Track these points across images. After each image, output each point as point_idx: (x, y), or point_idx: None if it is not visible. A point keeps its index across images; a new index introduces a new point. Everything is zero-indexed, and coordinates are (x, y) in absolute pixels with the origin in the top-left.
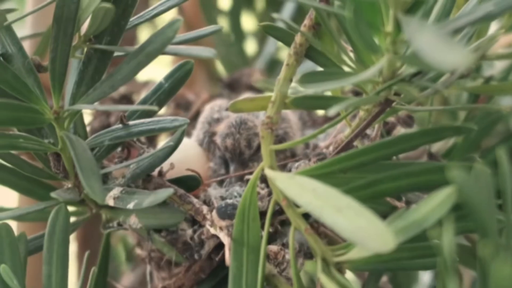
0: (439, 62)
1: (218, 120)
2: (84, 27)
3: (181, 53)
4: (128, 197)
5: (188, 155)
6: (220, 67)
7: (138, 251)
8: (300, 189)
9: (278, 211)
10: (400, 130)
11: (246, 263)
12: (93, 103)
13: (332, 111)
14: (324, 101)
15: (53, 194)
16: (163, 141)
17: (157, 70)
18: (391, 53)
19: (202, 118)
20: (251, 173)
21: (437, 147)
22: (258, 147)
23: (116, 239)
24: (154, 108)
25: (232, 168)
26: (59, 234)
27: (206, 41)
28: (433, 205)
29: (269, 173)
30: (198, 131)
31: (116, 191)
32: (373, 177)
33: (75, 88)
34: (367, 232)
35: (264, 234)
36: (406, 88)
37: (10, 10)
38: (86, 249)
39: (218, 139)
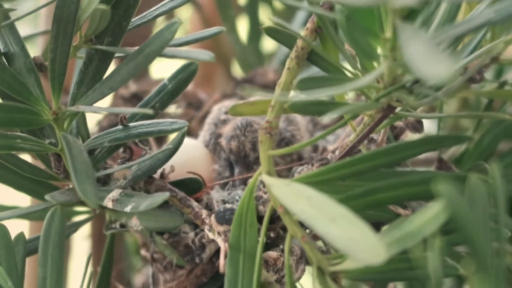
0: (423, 73)
1: (224, 122)
2: (85, 27)
3: (180, 55)
4: (127, 200)
5: (193, 157)
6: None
7: (143, 252)
8: (296, 197)
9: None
10: (408, 135)
11: (242, 269)
12: (92, 104)
13: (325, 119)
14: (323, 107)
15: (47, 197)
16: None
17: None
18: (391, 60)
19: (209, 119)
20: None
21: (451, 152)
22: None
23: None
24: (149, 111)
25: (236, 171)
26: (54, 236)
27: (222, 39)
28: (428, 217)
29: (266, 179)
30: (205, 132)
31: (115, 193)
32: (371, 185)
33: (76, 88)
34: (358, 243)
35: (260, 240)
36: (403, 96)
37: (10, 10)
38: (101, 247)
39: (223, 141)
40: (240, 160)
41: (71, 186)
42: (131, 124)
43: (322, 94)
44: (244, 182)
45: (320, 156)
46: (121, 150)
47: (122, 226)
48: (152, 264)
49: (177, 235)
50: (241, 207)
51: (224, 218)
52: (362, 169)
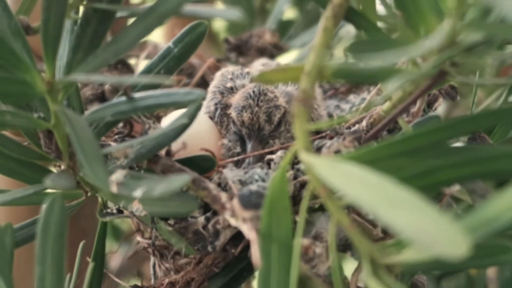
0: None
1: (232, 90)
2: None
3: (201, 15)
4: (134, 183)
5: (199, 131)
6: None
7: (139, 238)
8: (346, 178)
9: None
10: (441, 103)
11: (276, 262)
12: (92, 73)
13: (389, 88)
14: (374, 74)
15: (48, 181)
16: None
17: None
18: (456, 18)
19: (212, 87)
20: (272, 153)
21: None
22: (279, 122)
23: None
24: (164, 81)
25: (249, 146)
26: (54, 229)
27: None
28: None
29: (305, 158)
30: (209, 101)
31: (119, 175)
32: (429, 164)
33: (71, 54)
34: (433, 233)
35: (298, 228)
36: (472, 60)
37: None
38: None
39: (233, 113)
40: (253, 134)
41: (63, 167)
42: (136, 95)
43: (384, 61)
44: (259, 159)
45: (351, 129)
46: (120, 124)
47: (120, 211)
48: (153, 253)
49: (184, 221)
50: (273, 191)
51: (251, 202)
52: (421, 146)
